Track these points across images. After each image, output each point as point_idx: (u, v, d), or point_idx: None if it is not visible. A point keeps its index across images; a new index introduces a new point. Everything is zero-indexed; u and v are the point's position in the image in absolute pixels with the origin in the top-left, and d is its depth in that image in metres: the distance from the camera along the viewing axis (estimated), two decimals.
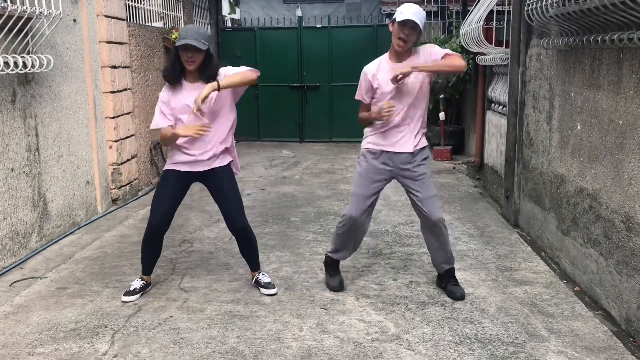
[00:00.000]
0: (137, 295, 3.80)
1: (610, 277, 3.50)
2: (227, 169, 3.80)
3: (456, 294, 3.77)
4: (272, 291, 3.87)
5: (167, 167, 3.77)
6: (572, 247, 4.06)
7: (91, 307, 3.70)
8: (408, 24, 3.47)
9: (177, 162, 3.73)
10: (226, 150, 3.79)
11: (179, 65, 3.63)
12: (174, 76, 3.66)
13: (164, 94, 3.72)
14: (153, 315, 3.56)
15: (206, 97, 3.47)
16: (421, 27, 3.49)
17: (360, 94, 3.78)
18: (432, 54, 3.63)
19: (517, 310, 3.58)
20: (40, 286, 4.05)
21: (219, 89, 3.51)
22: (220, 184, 3.78)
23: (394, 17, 3.57)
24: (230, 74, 3.63)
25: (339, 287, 3.91)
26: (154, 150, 7.28)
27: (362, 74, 3.74)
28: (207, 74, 3.61)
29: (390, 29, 3.60)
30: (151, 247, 3.85)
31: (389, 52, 3.69)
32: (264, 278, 3.95)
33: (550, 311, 3.56)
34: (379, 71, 3.67)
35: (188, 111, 3.61)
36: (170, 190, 3.74)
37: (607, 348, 3.12)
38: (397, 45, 3.57)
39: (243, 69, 3.65)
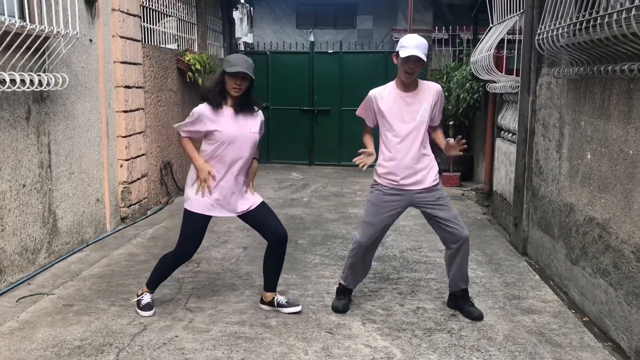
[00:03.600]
0: (154, 310, 3.86)
1: (619, 308, 3.46)
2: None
3: (474, 314, 3.84)
4: (298, 308, 3.91)
5: (194, 210, 3.71)
6: (581, 277, 4.03)
7: (97, 324, 3.69)
8: (411, 59, 3.59)
9: (202, 209, 3.71)
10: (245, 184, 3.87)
11: (222, 90, 3.68)
12: (218, 101, 3.68)
13: (208, 111, 3.67)
14: (158, 335, 3.55)
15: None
16: (424, 58, 3.59)
17: (360, 112, 3.95)
18: (438, 104, 3.83)
19: (524, 339, 3.54)
20: (47, 303, 4.05)
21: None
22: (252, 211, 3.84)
23: (397, 50, 3.67)
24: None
25: (341, 309, 3.93)
26: (164, 169, 7.33)
27: (368, 95, 3.87)
28: (248, 103, 3.73)
29: (395, 61, 3.73)
30: (171, 270, 3.92)
31: (396, 81, 3.79)
32: (283, 298, 3.98)
33: (558, 341, 3.52)
34: (386, 97, 3.78)
35: (231, 138, 3.66)
36: (202, 228, 3.78)
37: None
38: (404, 77, 3.69)
39: None
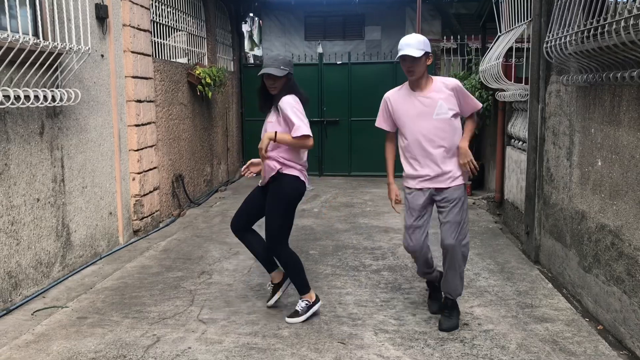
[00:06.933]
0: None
1: (634, 315, 3.43)
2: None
3: (442, 325, 3.82)
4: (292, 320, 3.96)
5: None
6: (595, 285, 4.00)
7: (111, 337, 3.72)
8: (406, 59, 3.66)
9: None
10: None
11: (264, 93, 3.97)
12: (263, 105, 4.02)
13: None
14: (171, 346, 3.57)
15: (266, 146, 3.80)
16: (419, 54, 3.62)
17: (379, 120, 3.99)
18: (465, 98, 3.79)
19: (538, 348, 3.52)
20: (61, 315, 4.09)
21: (274, 139, 3.80)
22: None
23: None
24: (289, 115, 3.78)
25: (433, 310, 4.10)
26: (175, 182, 7.38)
27: (383, 98, 3.95)
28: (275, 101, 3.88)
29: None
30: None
31: (408, 81, 3.85)
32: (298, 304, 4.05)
33: (572, 349, 3.50)
34: (398, 97, 3.85)
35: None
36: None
37: None
38: (408, 77, 3.76)
39: (301, 131, 3.75)
